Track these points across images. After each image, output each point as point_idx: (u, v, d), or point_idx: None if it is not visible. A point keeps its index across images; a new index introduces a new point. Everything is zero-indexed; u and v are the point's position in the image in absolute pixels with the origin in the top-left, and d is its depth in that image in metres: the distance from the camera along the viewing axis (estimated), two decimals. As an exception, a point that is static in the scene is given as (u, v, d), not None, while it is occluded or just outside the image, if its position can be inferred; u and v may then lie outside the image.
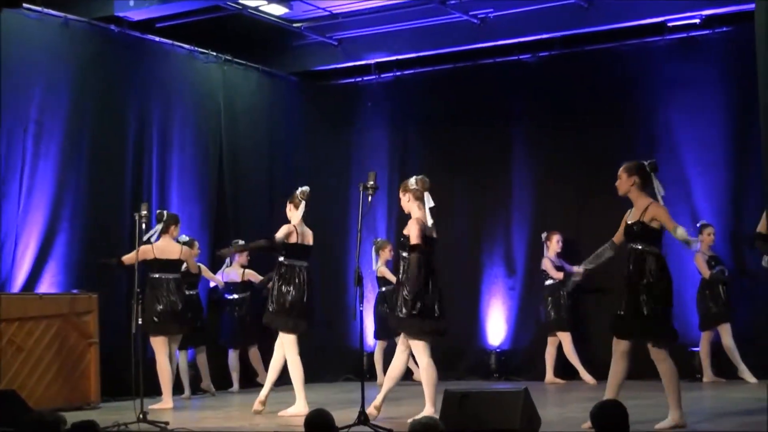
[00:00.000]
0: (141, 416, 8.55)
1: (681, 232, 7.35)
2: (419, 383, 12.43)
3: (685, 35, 12.57)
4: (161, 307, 10.43)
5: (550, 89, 13.37)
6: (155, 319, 10.39)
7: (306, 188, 9.67)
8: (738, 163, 12.08)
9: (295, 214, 9.59)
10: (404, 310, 8.38)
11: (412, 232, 8.45)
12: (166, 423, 8.54)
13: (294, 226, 9.55)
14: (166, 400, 10.40)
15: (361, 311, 8.19)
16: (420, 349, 8.46)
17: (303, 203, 9.56)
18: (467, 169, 13.78)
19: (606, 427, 5.09)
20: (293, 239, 9.52)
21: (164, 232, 10.57)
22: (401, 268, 8.53)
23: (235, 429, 8.67)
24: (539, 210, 13.30)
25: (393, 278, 12.26)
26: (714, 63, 12.38)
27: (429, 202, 8.50)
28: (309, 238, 9.68)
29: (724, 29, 12.26)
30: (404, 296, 8.39)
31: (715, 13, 12.14)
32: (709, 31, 12.39)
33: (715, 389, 10.91)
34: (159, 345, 10.47)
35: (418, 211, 8.52)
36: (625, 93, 12.95)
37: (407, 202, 8.62)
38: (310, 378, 11.54)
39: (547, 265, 12.39)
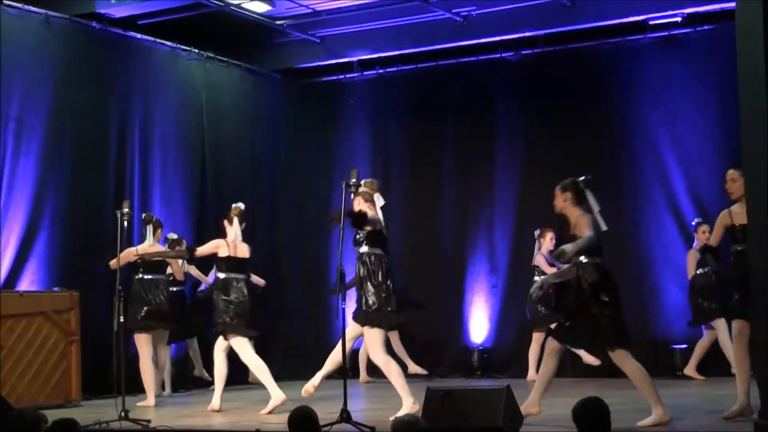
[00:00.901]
0: (122, 414, 8.54)
1: (568, 248, 7.53)
2: (412, 377, 12.49)
3: (666, 33, 12.61)
4: (146, 307, 10.51)
5: (533, 87, 13.38)
6: (138, 317, 10.45)
7: (240, 205, 9.93)
8: (720, 161, 12.09)
9: (229, 229, 9.81)
10: (369, 304, 8.48)
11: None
12: (148, 421, 8.52)
13: (225, 240, 9.75)
14: (150, 398, 10.40)
15: (344, 309, 8.20)
16: (378, 344, 8.54)
17: (236, 219, 9.79)
18: (450, 167, 13.79)
19: (588, 424, 5.09)
20: (224, 253, 9.72)
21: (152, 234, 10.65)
22: (358, 264, 8.65)
23: (217, 427, 8.66)
24: (522, 208, 13.31)
25: None
26: (695, 61, 12.43)
27: (379, 201, 8.74)
28: (243, 252, 9.84)
29: (706, 27, 12.30)
30: (367, 291, 8.50)
31: (696, 11, 12.19)
32: (690, 30, 12.43)
33: (701, 387, 10.93)
34: (142, 343, 10.52)
35: (369, 211, 8.66)
36: (607, 91, 12.99)
37: (358, 205, 8.72)
38: (293, 376, 11.56)
39: (540, 261, 12.28)
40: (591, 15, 12.40)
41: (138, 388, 10.57)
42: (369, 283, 8.52)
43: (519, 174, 13.43)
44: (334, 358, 8.82)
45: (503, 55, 13.46)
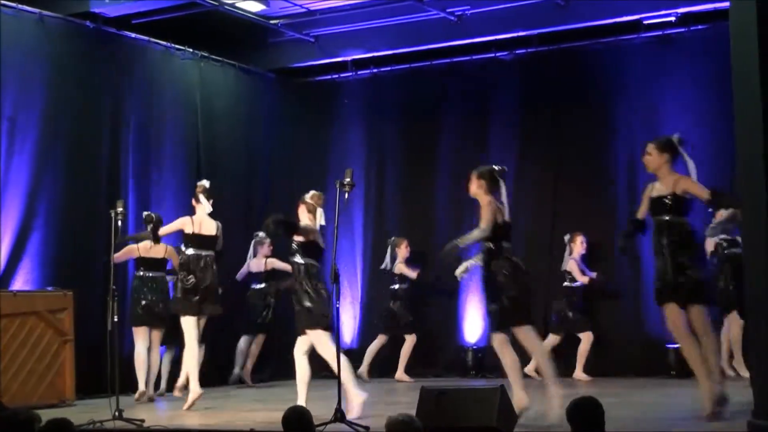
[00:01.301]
0: (116, 414, 8.53)
1: (458, 241, 8.25)
2: (398, 381, 12.48)
3: (660, 33, 12.62)
4: (143, 302, 10.85)
5: (527, 86, 13.40)
6: (134, 312, 10.87)
7: (204, 182, 10.28)
8: (713, 160, 12.10)
9: (197, 207, 10.15)
10: (307, 307, 8.73)
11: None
12: (142, 420, 8.52)
13: (190, 218, 10.10)
14: (141, 386, 10.62)
15: (338, 308, 8.21)
16: (327, 342, 8.72)
17: (202, 197, 10.08)
18: (444, 166, 13.79)
19: (582, 423, 5.09)
20: (189, 230, 10.03)
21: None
22: (295, 271, 8.91)
23: (212, 426, 8.65)
24: (517, 206, 13.24)
25: (412, 274, 12.90)
26: (689, 61, 12.43)
27: (321, 219, 8.99)
28: (210, 229, 10.10)
29: (700, 27, 12.32)
30: (303, 297, 8.75)
31: (690, 11, 12.21)
32: (684, 29, 12.45)
33: (694, 386, 10.86)
34: (138, 335, 10.88)
35: (308, 221, 8.91)
36: (602, 90, 13.00)
37: (300, 213, 8.99)
38: (288, 375, 11.55)
39: (573, 267, 12.25)
40: (585, 14, 12.41)
41: (132, 388, 10.59)
42: (304, 290, 8.75)
43: (513, 173, 13.39)
44: (305, 379, 8.90)
45: (497, 54, 13.47)
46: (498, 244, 8.08)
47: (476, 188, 8.23)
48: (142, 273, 10.99)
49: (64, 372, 10.50)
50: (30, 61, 11.23)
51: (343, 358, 8.71)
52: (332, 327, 8.75)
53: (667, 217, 7.71)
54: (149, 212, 10.90)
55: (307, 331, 8.76)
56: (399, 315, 12.93)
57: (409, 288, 13.00)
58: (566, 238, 12.44)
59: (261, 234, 12.67)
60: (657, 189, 7.89)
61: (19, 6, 11.06)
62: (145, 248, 10.89)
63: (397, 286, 13.00)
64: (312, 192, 9.09)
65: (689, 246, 7.71)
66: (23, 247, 10.91)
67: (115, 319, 8.97)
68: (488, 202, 8.11)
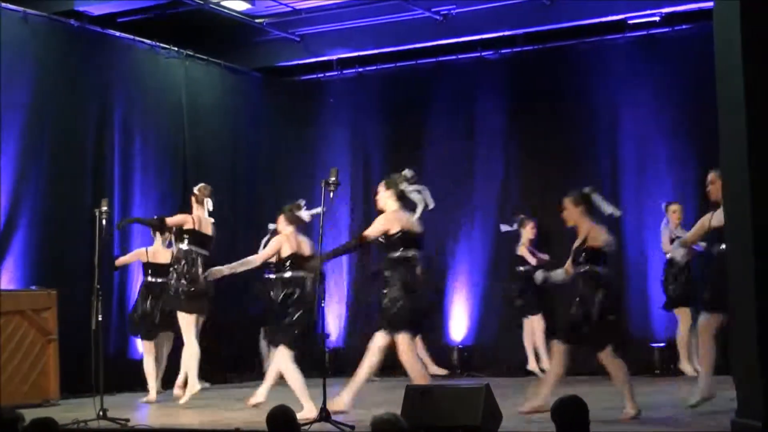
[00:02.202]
0: (100, 413, 8.51)
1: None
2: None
3: (645, 33, 12.67)
4: (149, 311, 10.66)
5: (513, 86, 13.43)
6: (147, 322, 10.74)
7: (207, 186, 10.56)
8: (698, 159, 12.16)
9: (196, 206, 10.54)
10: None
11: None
12: (127, 420, 8.50)
13: (191, 215, 10.52)
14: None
15: (323, 308, 8.21)
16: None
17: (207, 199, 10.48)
18: (430, 166, 13.79)
19: (566, 422, 5.11)
20: (189, 226, 10.36)
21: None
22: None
23: (197, 426, 8.64)
24: (503, 206, 13.34)
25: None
26: (673, 60, 12.48)
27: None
28: (207, 228, 10.44)
29: (684, 27, 12.37)
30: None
31: (674, 11, 12.26)
32: (668, 29, 12.50)
33: (678, 384, 10.94)
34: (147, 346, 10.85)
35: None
36: (586, 90, 13.03)
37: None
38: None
39: (524, 251, 12.26)
40: (570, 14, 12.45)
41: (117, 387, 10.62)
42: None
43: (499, 171, 13.46)
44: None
45: (483, 53, 13.50)
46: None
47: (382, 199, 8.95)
48: (150, 279, 10.68)
49: (48, 371, 10.47)
50: (14, 60, 11.17)
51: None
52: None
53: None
54: (204, 184, 10.73)
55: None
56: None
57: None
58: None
59: None
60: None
61: (3, 4, 11.02)
62: (153, 253, 10.70)
63: None
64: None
65: None
66: (7, 246, 10.88)
67: (100, 318, 8.95)
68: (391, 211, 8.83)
